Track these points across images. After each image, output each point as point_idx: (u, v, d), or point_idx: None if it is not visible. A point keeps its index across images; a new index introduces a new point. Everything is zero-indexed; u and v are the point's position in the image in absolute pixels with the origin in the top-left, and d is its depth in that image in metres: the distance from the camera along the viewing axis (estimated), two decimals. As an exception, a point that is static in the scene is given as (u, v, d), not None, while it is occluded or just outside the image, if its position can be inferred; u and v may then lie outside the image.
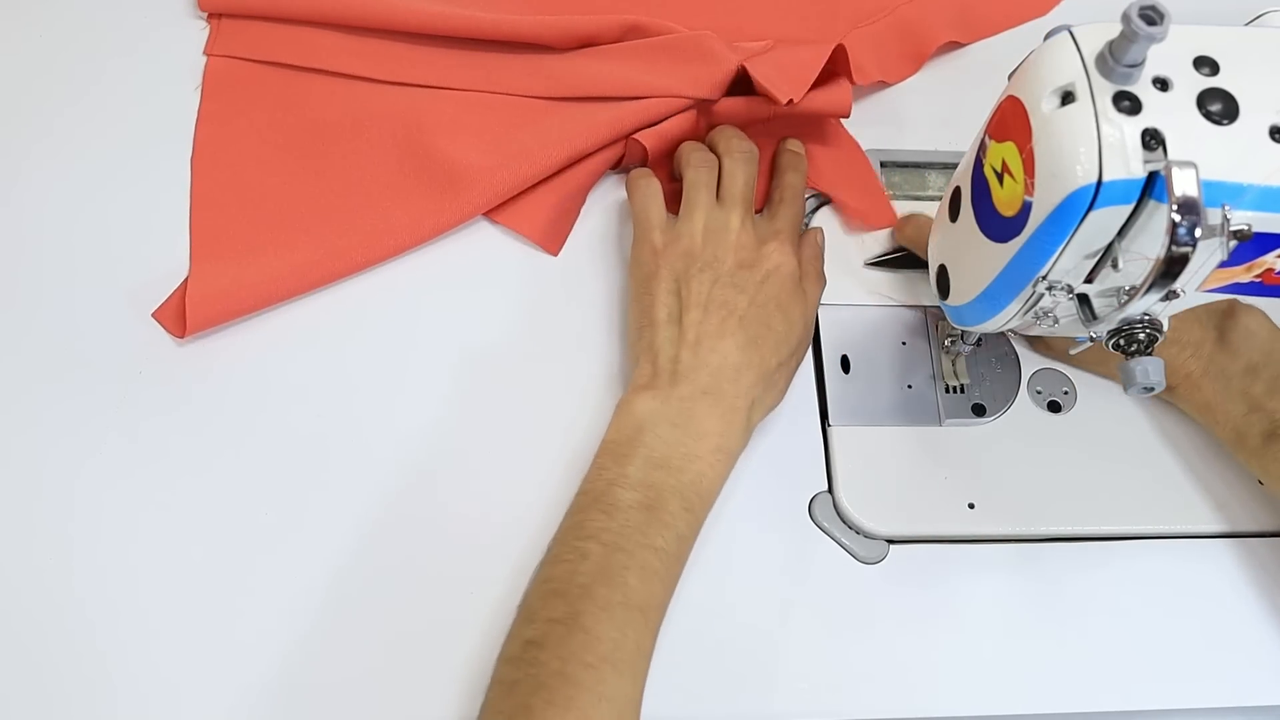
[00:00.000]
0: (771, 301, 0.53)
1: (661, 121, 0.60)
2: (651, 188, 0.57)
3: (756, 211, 0.58)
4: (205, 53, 0.62)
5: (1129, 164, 0.39)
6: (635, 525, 0.47)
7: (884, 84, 0.67)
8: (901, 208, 0.64)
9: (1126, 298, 0.42)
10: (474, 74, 0.62)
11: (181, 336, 0.54)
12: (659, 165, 0.60)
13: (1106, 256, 0.42)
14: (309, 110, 0.61)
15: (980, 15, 0.69)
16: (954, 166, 0.54)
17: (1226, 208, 0.39)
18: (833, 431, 0.56)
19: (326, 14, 0.62)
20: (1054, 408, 0.59)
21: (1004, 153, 0.43)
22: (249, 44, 0.63)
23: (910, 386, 0.59)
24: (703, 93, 0.60)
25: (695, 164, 0.57)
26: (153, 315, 0.55)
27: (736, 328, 0.52)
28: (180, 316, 0.54)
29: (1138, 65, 0.39)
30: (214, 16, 0.63)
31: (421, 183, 0.59)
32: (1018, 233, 0.43)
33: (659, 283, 0.54)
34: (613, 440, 0.50)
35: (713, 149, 0.59)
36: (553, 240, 0.59)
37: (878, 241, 0.62)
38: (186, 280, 0.56)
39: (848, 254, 0.62)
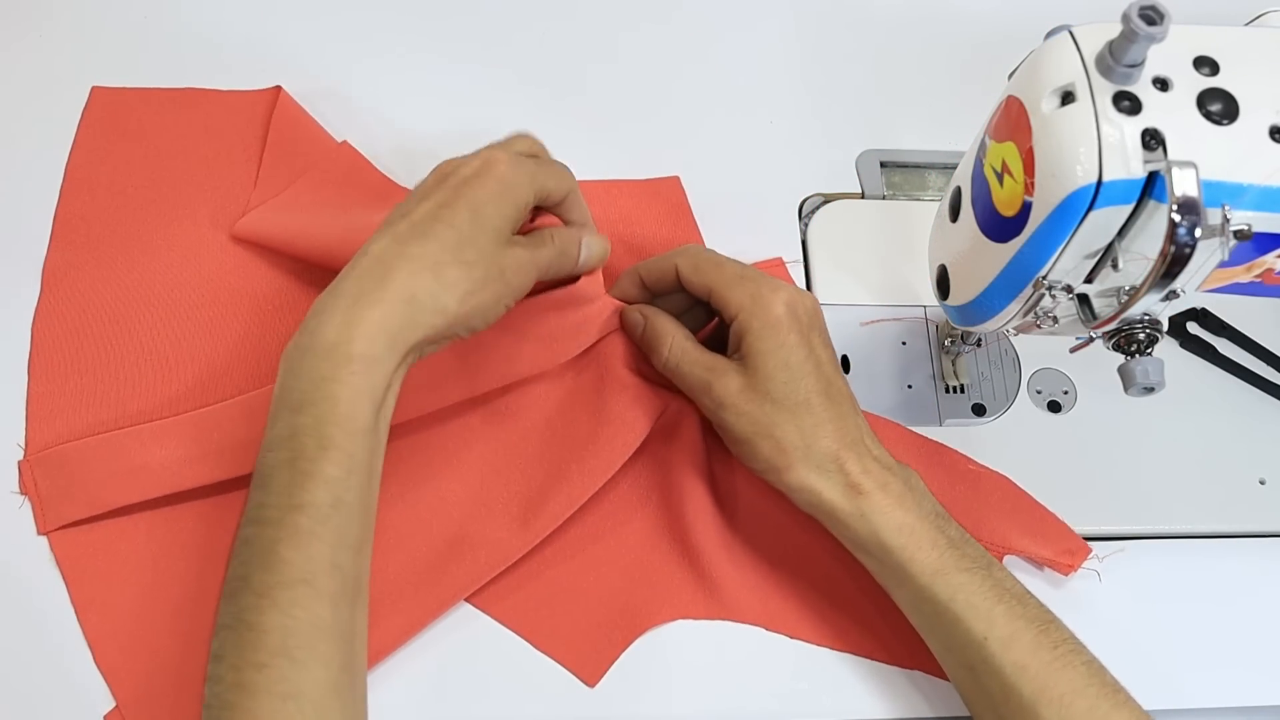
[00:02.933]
0: (459, 200, 0.45)
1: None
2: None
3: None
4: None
5: (1129, 164, 0.39)
6: (282, 489, 0.41)
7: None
8: (901, 207, 0.64)
9: (1126, 298, 0.42)
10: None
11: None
12: None
13: (1106, 256, 0.42)
14: None
15: None
16: (954, 166, 0.53)
17: (1226, 208, 0.39)
18: (833, 431, 0.56)
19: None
20: (1054, 408, 0.59)
21: (1004, 153, 0.43)
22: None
23: (910, 386, 0.59)
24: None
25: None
26: None
27: (405, 229, 0.44)
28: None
29: (1138, 65, 0.39)
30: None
31: None
32: (1018, 233, 0.43)
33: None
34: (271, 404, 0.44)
35: None
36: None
37: (874, 240, 0.62)
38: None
39: (849, 254, 0.62)
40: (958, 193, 0.49)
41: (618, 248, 0.58)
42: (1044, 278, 0.44)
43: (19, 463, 0.51)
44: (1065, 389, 0.59)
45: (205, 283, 0.56)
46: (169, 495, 0.50)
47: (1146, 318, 0.45)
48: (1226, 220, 0.39)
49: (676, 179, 0.63)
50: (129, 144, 0.60)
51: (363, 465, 0.42)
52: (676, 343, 0.52)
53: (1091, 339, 0.47)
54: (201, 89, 0.62)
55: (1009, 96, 0.43)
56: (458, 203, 0.45)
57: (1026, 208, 0.42)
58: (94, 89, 0.61)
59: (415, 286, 0.43)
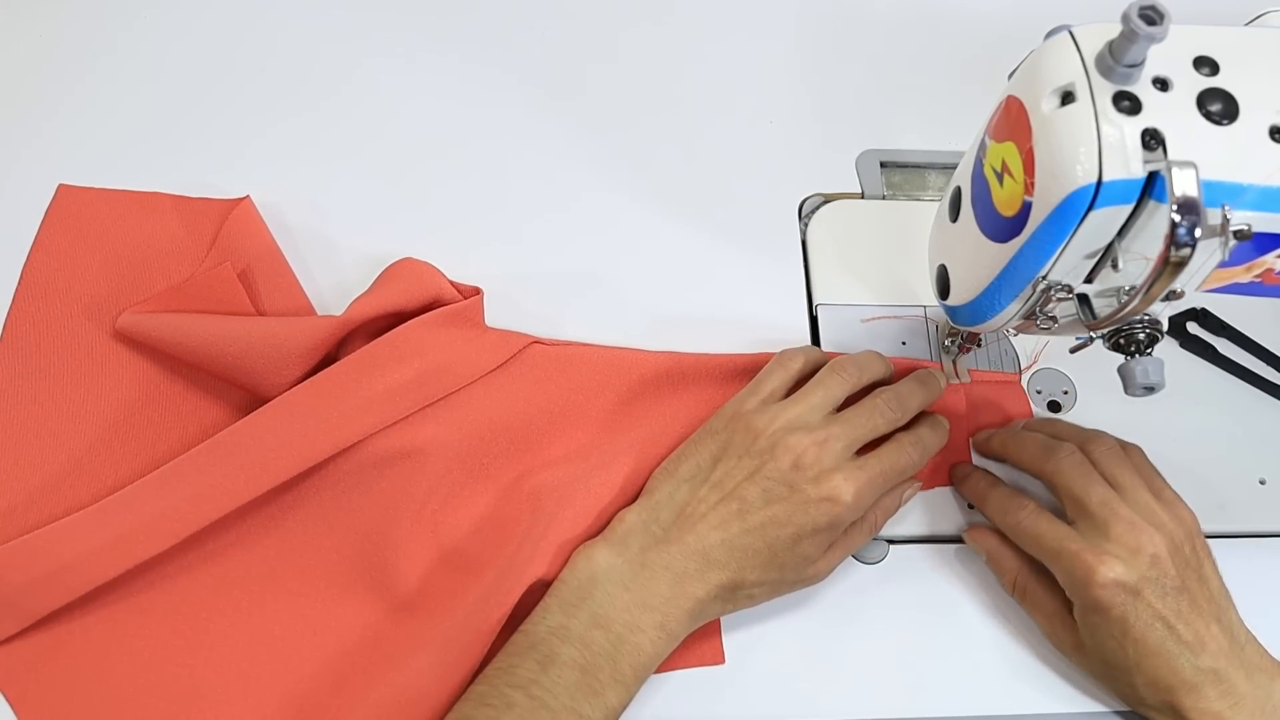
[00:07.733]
0: (796, 530, 0.48)
1: None
2: (790, 369, 0.53)
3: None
4: None
5: (1129, 164, 0.39)
6: (565, 685, 0.44)
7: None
8: (901, 207, 0.64)
9: (1126, 298, 0.42)
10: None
11: None
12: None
13: (1106, 256, 0.42)
14: None
15: None
16: (954, 166, 0.54)
17: (1226, 208, 0.39)
18: (833, 431, 0.56)
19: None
20: (1054, 408, 0.59)
21: (1004, 153, 0.43)
22: None
23: (910, 386, 0.59)
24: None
25: (833, 368, 0.53)
26: None
27: (738, 530, 0.48)
28: None
29: (1138, 65, 0.39)
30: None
31: None
32: (1018, 233, 0.43)
33: (708, 442, 0.51)
34: (563, 584, 0.48)
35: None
36: None
37: (874, 240, 0.62)
38: None
39: (849, 254, 0.62)
40: (958, 193, 0.49)
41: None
42: (1044, 278, 0.44)
43: None
44: (1065, 389, 0.59)
45: (152, 400, 0.54)
46: (100, 591, 0.49)
47: (1146, 318, 0.45)
48: (1226, 220, 0.39)
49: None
50: (89, 247, 0.58)
51: (626, 705, 0.47)
52: (1021, 578, 0.53)
53: (1091, 339, 0.47)
54: (167, 194, 0.60)
55: (1009, 96, 0.43)
56: (789, 529, 0.48)
57: (1026, 208, 0.42)
58: (60, 187, 0.59)
59: (719, 592, 0.49)
